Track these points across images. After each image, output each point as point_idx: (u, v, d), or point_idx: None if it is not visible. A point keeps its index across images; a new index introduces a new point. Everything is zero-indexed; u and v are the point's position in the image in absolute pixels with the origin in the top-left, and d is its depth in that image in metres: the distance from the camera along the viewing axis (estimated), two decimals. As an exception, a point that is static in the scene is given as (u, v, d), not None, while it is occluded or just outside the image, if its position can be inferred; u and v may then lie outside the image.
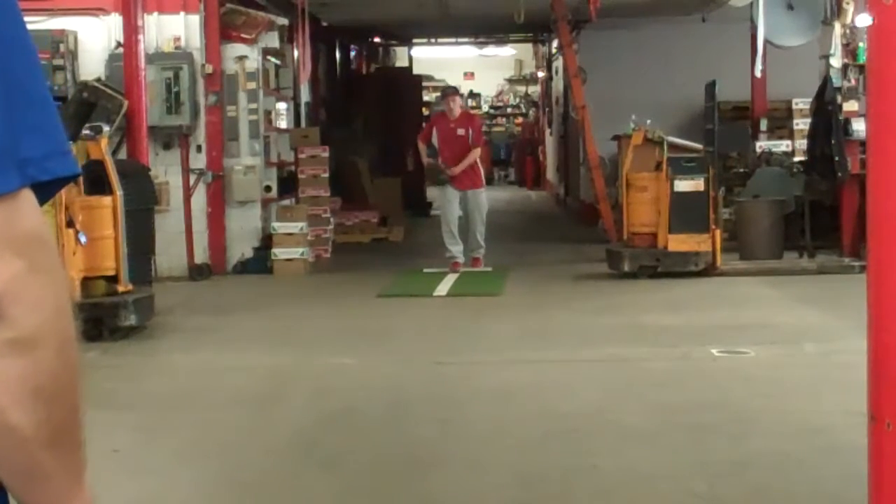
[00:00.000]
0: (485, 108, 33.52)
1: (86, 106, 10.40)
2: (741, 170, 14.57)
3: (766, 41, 12.27)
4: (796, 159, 14.18)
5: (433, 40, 25.48)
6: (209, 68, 12.44)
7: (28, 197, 1.10)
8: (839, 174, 12.16)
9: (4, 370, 1.07)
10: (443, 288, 11.58)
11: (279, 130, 14.70)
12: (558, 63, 20.34)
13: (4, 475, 1.13)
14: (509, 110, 34.04)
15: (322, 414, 6.56)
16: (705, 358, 7.78)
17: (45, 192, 1.14)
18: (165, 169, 12.31)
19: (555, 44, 20.71)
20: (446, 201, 12.88)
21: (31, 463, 1.12)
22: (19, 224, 1.08)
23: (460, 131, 12.70)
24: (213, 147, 12.59)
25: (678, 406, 6.46)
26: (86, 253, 8.75)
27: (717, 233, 11.65)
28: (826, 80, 12.43)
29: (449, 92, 13.35)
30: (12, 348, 1.07)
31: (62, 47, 11.67)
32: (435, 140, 12.79)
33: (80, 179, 8.94)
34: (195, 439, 6.08)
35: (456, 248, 12.63)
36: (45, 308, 1.09)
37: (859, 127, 11.77)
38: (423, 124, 13.59)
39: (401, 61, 26.79)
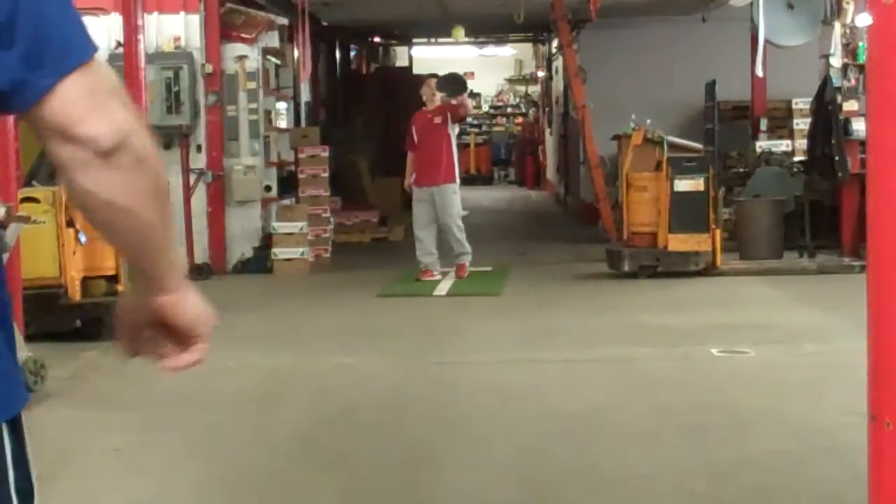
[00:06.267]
0: (485, 107, 33.54)
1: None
2: (741, 169, 14.57)
3: (766, 41, 12.26)
4: (796, 159, 14.19)
5: (433, 40, 25.48)
6: (209, 68, 12.44)
7: (101, 60, 1.62)
8: (839, 174, 12.17)
9: (137, 182, 1.59)
10: (443, 288, 11.58)
11: (279, 130, 14.70)
12: (558, 63, 20.35)
13: (141, 255, 1.68)
14: (509, 110, 34.04)
15: (322, 414, 6.56)
16: (705, 358, 7.78)
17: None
18: (165, 169, 12.29)
19: (555, 43, 20.72)
20: (414, 203, 12.09)
21: (158, 242, 1.67)
22: (109, 81, 1.60)
23: (437, 119, 11.96)
24: (213, 147, 12.59)
25: (678, 406, 6.46)
26: (86, 253, 8.76)
27: (717, 232, 11.65)
28: (826, 80, 12.43)
29: (427, 76, 12.57)
30: (138, 167, 1.58)
31: (62, 47, 11.67)
32: (416, 140, 12.07)
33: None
34: (195, 439, 6.08)
35: (428, 259, 11.92)
36: (146, 137, 1.61)
37: (859, 127, 11.78)
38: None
39: (401, 61, 26.80)
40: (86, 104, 1.54)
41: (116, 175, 1.56)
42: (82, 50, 1.58)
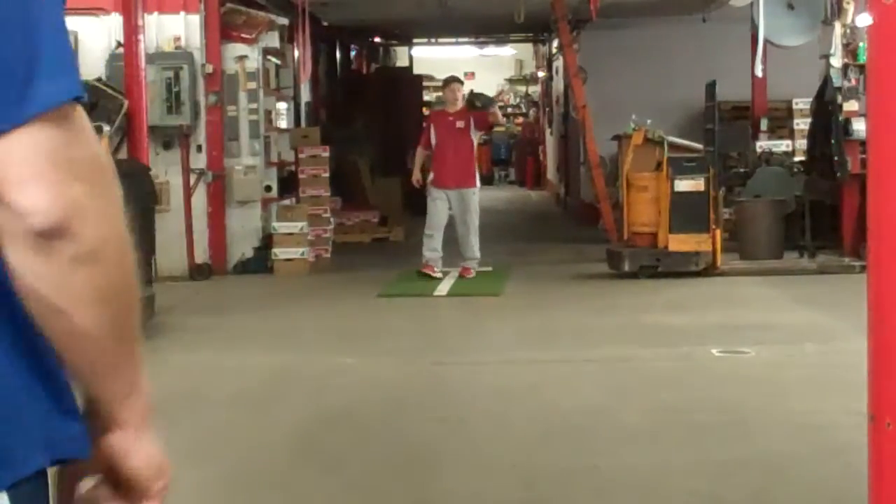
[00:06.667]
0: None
1: (86, 106, 10.38)
2: (741, 170, 14.56)
3: (767, 41, 12.26)
4: (796, 159, 14.19)
5: (433, 40, 25.48)
6: (209, 68, 12.44)
7: (83, 115, 1.25)
8: (839, 174, 12.17)
9: (73, 281, 1.23)
10: (443, 288, 11.58)
11: (279, 130, 14.70)
12: (558, 63, 20.34)
13: (80, 370, 1.31)
14: (509, 110, 34.02)
15: (322, 414, 6.56)
16: (706, 358, 7.78)
17: None
18: (166, 169, 12.31)
19: (555, 43, 20.70)
20: (430, 201, 12.19)
21: (103, 358, 1.30)
22: (78, 147, 1.23)
23: (460, 124, 12.00)
24: (213, 147, 12.58)
25: (678, 406, 6.46)
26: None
27: (718, 233, 11.65)
28: (826, 80, 12.43)
29: (451, 79, 12.50)
30: (79, 262, 1.22)
31: (62, 47, 11.66)
32: (433, 140, 12.17)
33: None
34: (195, 439, 6.08)
35: (432, 254, 12.00)
36: (104, 225, 1.24)
37: (859, 127, 11.77)
38: (423, 124, 12.99)
39: (401, 61, 26.80)
40: (32, 166, 1.19)
41: (50, 265, 1.21)
42: (53, 93, 1.22)
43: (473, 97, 12.50)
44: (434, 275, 11.95)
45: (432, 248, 12.06)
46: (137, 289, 1.31)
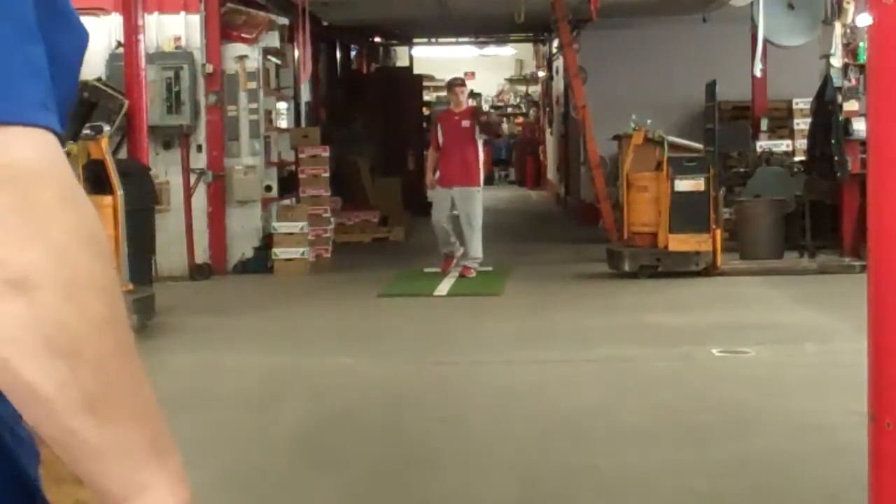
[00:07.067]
0: (485, 107, 33.51)
1: (86, 106, 10.40)
2: (742, 169, 14.57)
3: (767, 41, 12.26)
4: (797, 159, 14.19)
5: (433, 40, 25.48)
6: (209, 68, 12.44)
7: (27, 132, 0.96)
8: (839, 174, 12.17)
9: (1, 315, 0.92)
10: (443, 288, 11.58)
11: (280, 130, 14.70)
12: (559, 63, 20.35)
13: (57, 452, 0.99)
14: (510, 110, 34.02)
15: (322, 414, 6.56)
16: (706, 358, 7.78)
17: None
18: (166, 169, 12.31)
19: (555, 43, 20.71)
20: (435, 202, 12.45)
21: (68, 434, 0.96)
22: (4, 155, 0.94)
23: (465, 123, 12.17)
24: (213, 147, 12.59)
25: (678, 406, 6.47)
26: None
27: (718, 232, 11.66)
28: (826, 80, 12.43)
29: (457, 82, 12.72)
30: (5, 290, 0.92)
31: (62, 47, 11.66)
32: (440, 139, 12.32)
33: (81, 179, 8.97)
34: (195, 439, 6.08)
35: (447, 248, 12.26)
36: (35, 247, 0.94)
37: (859, 126, 11.77)
38: (426, 125, 13.11)
39: (401, 61, 26.79)
40: None
41: None
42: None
43: (478, 114, 12.54)
44: (451, 268, 12.17)
45: (447, 242, 12.26)
46: (126, 347, 1.00)
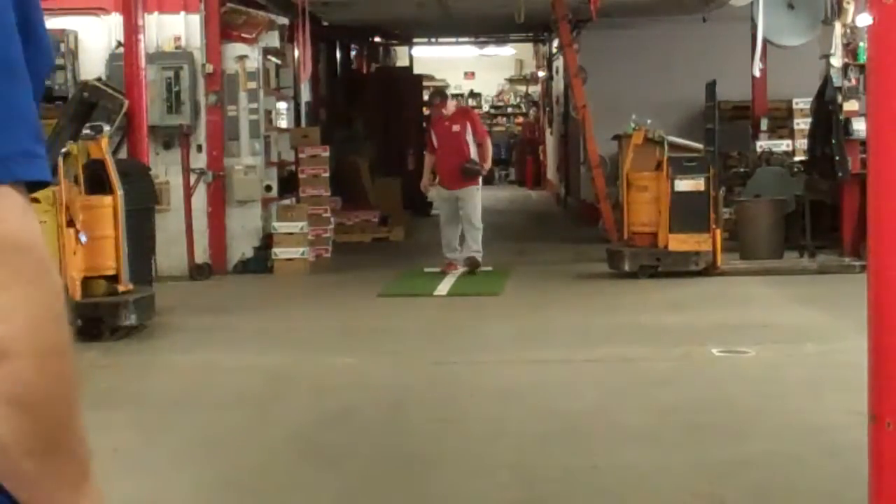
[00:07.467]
0: (485, 107, 33.52)
1: (86, 106, 10.39)
2: (741, 169, 14.57)
3: (767, 41, 12.26)
4: (797, 159, 14.18)
5: (433, 40, 25.48)
6: (209, 68, 12.44)
7: (12, 194, 1.02)
8: (839, 174, 12.17)
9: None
10: (443, 288, 11.58)
11: (280, 130, 14.70)
12: (559, 63, 20.35)
13: (1, 481, 1.10)
14: (510, 110, 34.02)
15: (322, 413, 6.55)
16: (705, 358, 7.78)
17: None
18: (166, 168, 12.31)
19: (555, 43, 20.70)
20: (439, 204, 12.72)
21: (17, 471, 1.07)
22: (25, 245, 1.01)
23: (455, 127, 12.43)
24: (213, 147, 12.59)
25: (678, 406, 6.46)
26: (86, 252, 8.75)
27: (718, 232, 11.65)
28: (826, 80, 12.43)
29: (437, 101, 13.00)
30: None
31: (63, 47, 11.66)
32: (434, 143, 12.58)
33: (81, 179, 8.97)
34: (195, 439, 6.08)
35: (451, 254, 12.48)
36: (17, 319, 1.01)
37: (860, 126, 11.77)
38: (426, 125, 13.30)
39: (401, 61, 26.78)
40: None
41: None
42: None
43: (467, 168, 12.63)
44: (457, 271, 12.29)
45: (451, 248, 12.46)
46: (72, 395, 1.08)
